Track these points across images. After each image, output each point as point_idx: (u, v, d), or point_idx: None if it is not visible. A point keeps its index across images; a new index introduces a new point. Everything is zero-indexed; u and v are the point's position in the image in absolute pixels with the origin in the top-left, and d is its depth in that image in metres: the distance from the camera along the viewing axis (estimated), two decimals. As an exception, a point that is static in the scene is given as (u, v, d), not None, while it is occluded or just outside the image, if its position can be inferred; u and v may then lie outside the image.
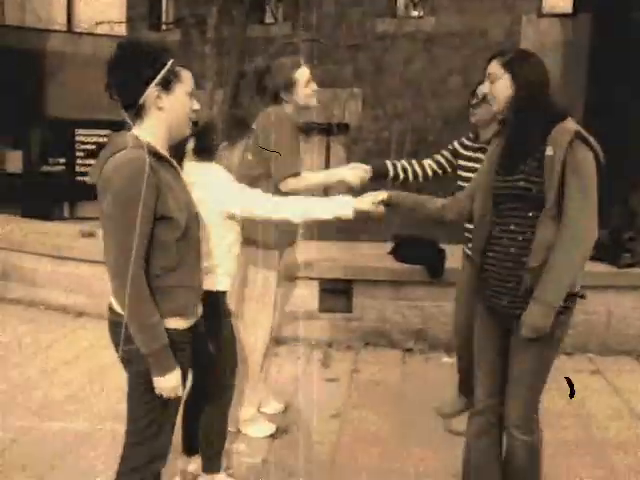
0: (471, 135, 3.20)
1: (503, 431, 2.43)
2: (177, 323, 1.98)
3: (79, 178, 9.81)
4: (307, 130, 9.01)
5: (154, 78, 1.88)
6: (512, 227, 2.23)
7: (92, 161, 9.19)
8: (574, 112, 2.25)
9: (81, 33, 10.54)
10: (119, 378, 2.01)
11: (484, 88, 2.31)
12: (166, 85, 1.92)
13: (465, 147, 3.19)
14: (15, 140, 10.11)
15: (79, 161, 9.95)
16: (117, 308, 1.94)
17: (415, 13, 9.68)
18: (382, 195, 2.58)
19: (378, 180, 3.12)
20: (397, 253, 4.73)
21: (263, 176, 3.01)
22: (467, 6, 8.81)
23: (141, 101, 1.89)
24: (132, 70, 1.87)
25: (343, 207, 2.52)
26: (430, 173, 3.28)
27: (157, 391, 1.93)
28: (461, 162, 3.19)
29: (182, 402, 2.21)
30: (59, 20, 10.78)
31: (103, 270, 1.96)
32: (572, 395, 3.66)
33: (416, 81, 9.03)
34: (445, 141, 3.38)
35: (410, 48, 9.07)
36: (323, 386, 3.93)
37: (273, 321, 3.28)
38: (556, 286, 2.11)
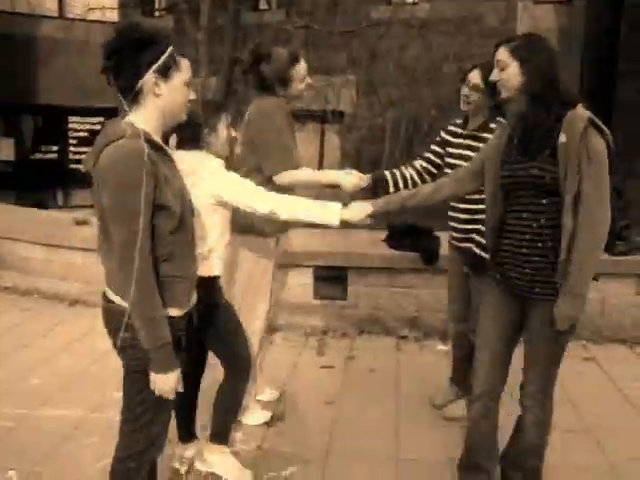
0: (458, 121, 3.16)
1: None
2: (171, 311, 1.97)
3: (72, 166, 9.77)
4: (300, 118, 8.97)
5: (153, 64, 1.86)
6: (525, 215, 2.24)
7: (85, 149, 9.14)
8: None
9: (73, 19, 10.45)
10: (114, 365, 2.00)
11: (493, 75, 2.28)
12: (165, 72, 1.89)
13: (454, 135, 3.14)
14: (6, 128, 10.05)
15: (72, 149, 9.91)
16: (111, 295, 1.93)
17: (410, -1, 9.64)
18: (367, 210, 2.57)
19: (376, 190, 3.09)
20: (392, 240, 4.73)
21: (255, 169, 2.98)
22: (462, -8, 8.78)
23: (138, 86, 1.87)
24: (131, 54, 1.84)
25: (330, 215, 2.50)
26: (427, 176, 3.22)
27: (153, 388, 1.91)
28: (450, 149, 3.14)
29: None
30: (49, 6, 10.67)
31: (97, 258, 1.96)
32: None
33: (411, 68, 9.00)
34: (440, 128, 3.35)
35: (405, 35, 9.03)
36: (318, 373, 3.94)
37: (269, 309, 3.28)
38: (583, 275, 2.15)
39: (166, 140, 2.37)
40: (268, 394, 3.53)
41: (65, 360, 4.05)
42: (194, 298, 2.13)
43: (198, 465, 2.81)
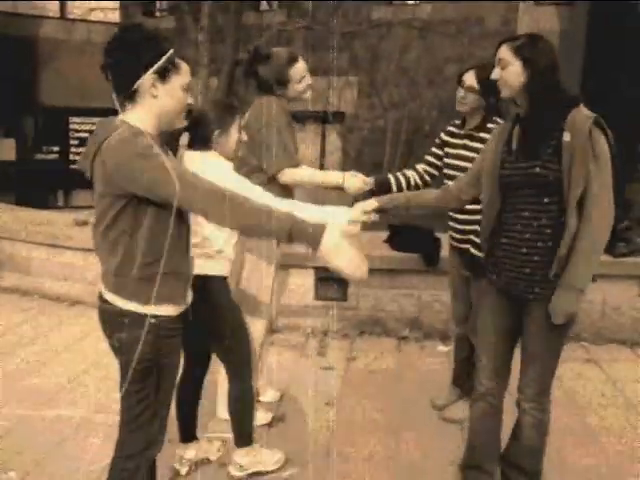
0: (457, 122, 3.17)
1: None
2: (167, 310, 1.96)
3: (73, 166, 9.77)
4: (302, 118, 8.98)
5: (152, 65, 1.86)
6: (526, 214, 2.23)
7: (86, 149, 9.14)
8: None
9: (74, 20, 10.46)
10: (115, 366, 2.00)
11: (494, 74, 2.27)
12: (163, 74, 1.88)
13: (453, 135, 3.15)
14: (8, 128, 10.06)
15: (73, 149, 9.91)
16: (107, 296, 1.93)
17: (411, 0, 9.62)
18: (372, 205, 2.57)
19: (380, 194, 3.08)
20: (392, 241, 4.72)
21: (256, 169, 2.98)
22: (463, -7, 8.77)
23: (135, 86, 1.86)
24: (131, 53, 1.84)
25: (334, 219, 2.47)
26: (428, 178, 3.23)
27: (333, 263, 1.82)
28: (448, 149, 3.15)
29: (175, 389, 2.20)
30: (51, 7, 10.69)
31: (97, 259, 1.96)
32: None
33: (412, 69, 9.00)
34: (441, 130, 3.35)
35: (406, 36, 9.03)
36: (319, 374, 3.94)
37: (270, 310, 3.27)
38: (584, 271, 2.15)
39: (177, 140, 2.37)
40: (269, 395, 3.52)
41: (65, 360, 4.05)
42: (190, 297, 2.12)
43: (233, 471, 2.79)
